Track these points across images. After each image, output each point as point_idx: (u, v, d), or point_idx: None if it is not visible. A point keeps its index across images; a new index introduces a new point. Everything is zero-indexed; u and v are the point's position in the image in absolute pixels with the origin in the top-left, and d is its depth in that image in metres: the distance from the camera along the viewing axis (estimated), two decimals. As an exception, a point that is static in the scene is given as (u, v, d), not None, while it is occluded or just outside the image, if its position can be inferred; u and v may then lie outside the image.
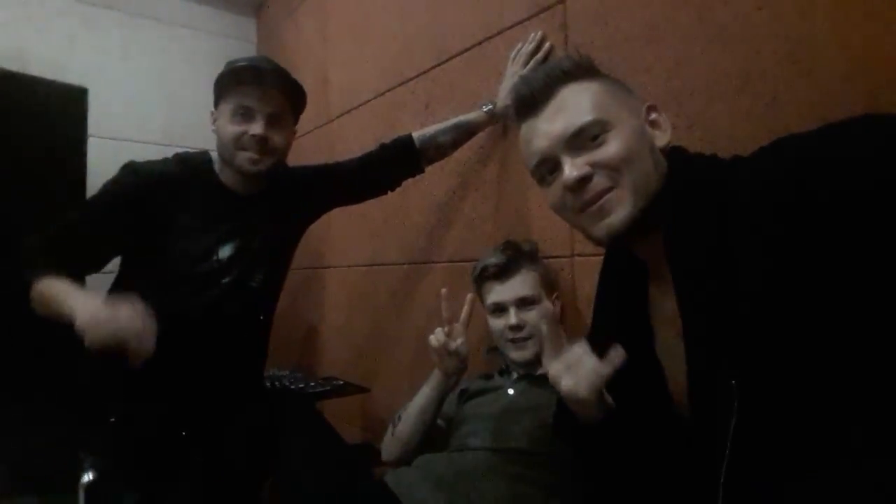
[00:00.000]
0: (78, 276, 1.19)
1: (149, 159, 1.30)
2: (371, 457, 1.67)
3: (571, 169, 0.69)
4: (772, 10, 0.92)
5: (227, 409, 1.23)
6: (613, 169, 0.68)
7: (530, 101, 0.74)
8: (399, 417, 1.19)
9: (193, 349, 1.23)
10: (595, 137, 0.69)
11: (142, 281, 1.24)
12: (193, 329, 1.23)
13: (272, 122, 1.26)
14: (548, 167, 0.73)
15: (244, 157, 1.25)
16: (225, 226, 1.29)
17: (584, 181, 0.69)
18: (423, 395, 1.15)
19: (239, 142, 1.24)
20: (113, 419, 1.17)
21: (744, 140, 0.96)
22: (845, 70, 0.84)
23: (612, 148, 0.69)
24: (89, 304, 0.99)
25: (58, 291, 1.07)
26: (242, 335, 1.34)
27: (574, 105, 0.71)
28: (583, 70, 0.75)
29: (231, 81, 1.26)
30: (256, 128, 1.24)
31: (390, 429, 1.21)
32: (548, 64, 0.77)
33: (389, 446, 1.19)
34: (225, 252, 1.27)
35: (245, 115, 1.25)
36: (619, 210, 0.68)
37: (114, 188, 1.25)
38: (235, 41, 2.86)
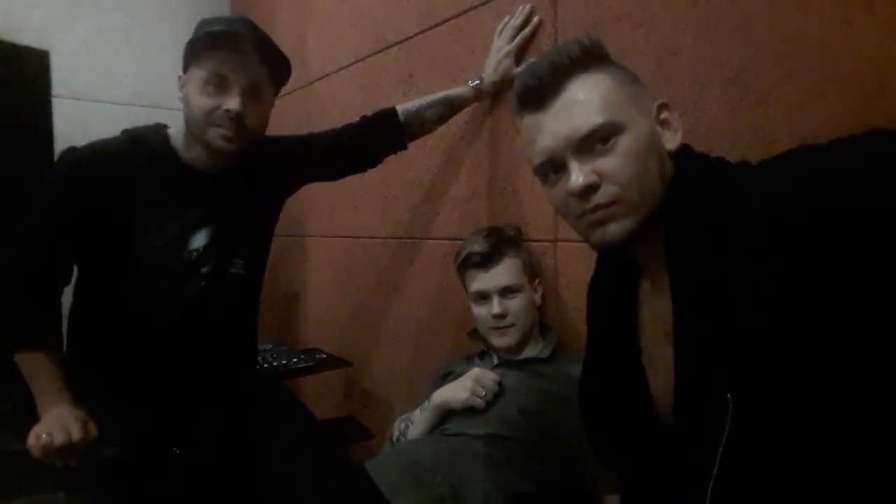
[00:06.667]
0: (57, 296, 1.17)
1: (93, 141, 1.16)
2: (353, 432, 1.71)
3: (578, 175, 0.66)
4: (768, 2, 0.90)
5: (217, 411, 1.18)
6: (621, 182, 0.66)
7: (536, 93, 0.70)
8: (399, 440, 1.18)
9: (179, 353, 1.17)
10: (605, 140, 0.66)
11: (105, 289, 1.17)
12: (174, 332, 1.17)
13: (249, 94, 1.13)
14: (553, 167, 0.70)
15: (216, 134, 1.11)
16: (195, 211, 1.18)
17: (590, 189, 0.66)
18: (422, 428, 1.14)
19: (210, 116, 1.10)
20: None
21: (730, 133, 0.96)
22: (835, 73, 0.82)
23: (621, 159, 0.66)
24: (43, 419, 1.03)
25: (29, 376, 1.09)
26: (231, 328, 1.26)
27: (583, 103, 0.67)
28: (592, 58, 0.70)
29: (205, 46, 1.12)
30: (232, 102, 1.10)
31: (388, 445, 1.21)
32: (554, 50, 0.71)
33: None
34: (199, 241, 1.18)
35: (219, 85, 1.10)
36: (621, 222, 0.66)
37: (54, 189, 1.14)
38: (208, -5, 2.70)
